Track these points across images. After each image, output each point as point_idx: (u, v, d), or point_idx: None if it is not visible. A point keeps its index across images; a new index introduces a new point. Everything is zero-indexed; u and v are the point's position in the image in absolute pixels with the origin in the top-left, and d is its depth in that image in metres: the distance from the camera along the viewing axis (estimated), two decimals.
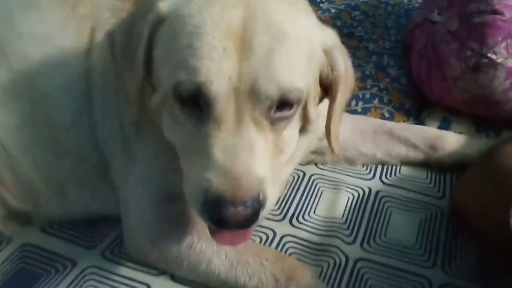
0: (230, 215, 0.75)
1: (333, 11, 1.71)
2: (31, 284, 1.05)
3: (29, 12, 1.12)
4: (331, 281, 1.05)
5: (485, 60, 1.24)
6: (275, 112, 0.81)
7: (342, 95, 0.94)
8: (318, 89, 0.92)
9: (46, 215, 1.16)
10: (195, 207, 0.80)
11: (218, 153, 0.77)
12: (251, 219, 0.77)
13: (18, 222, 1.17)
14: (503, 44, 1.22)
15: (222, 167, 0.76)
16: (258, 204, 0.77)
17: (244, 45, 0.78)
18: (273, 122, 0.82)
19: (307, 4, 0.93)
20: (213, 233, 0.88)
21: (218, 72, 0.77)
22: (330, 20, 1.67)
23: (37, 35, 1.10)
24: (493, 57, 1.22)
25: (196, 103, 0.79)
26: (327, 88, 0.94)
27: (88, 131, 1.10)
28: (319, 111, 1.00)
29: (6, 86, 1.08)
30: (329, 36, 0.92)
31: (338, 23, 1.66)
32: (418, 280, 1.06)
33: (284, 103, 0.81)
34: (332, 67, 0.90)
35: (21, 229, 1.17)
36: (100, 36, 1.09)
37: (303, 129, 0.94)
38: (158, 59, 0.85)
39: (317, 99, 0.94)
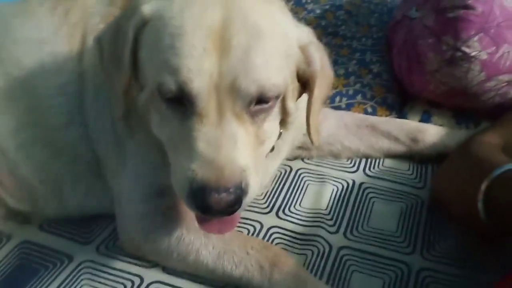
0: (214, 202, 0.80)
1: (318, 11, 1.76)
2: (30, 279, 1.10)
3: (24, 19, 1.18)
4: (315, 268, 1.10)
5: (460, 54, 1.29)
6: (254, 105, 0.87)
7: (320, 89, 0.99)
8: (296, 84, 0.98)
9: (44, 213, 1.22)
10: (182, 197, 0.85)
11: (202, 145, 0.82)
12: (234, 204, 0.82)
13: (16, 221, 1.23)
14: (476, 38, 1.26)
15: (206, 158, 0.81)
16: (240, 191, 0.82)
17: (223, 44, 0.83)
18: (253, 115, 0.87)
19: (282, 3, 0.98)
20: (201, 222, 0.93)
21: (199, 70, 0.82)
22: (315, 20, 1.72)
23: (31, 40, 1.15)
24: (467, 50, 1.27)
25: (180, 101, 0.85)
26: (305, 83, 0.99)
27: (82, 131, 1.15)
28: (299, 106, 1.06)
29: (2, 90, 1.14)
30: (305, 33, 0.97)
31: (323, 23, 1.71)
32: (398, 266, 1.10)
33: (262, 97, 0.87)
34: (308, 63, 0.95)
35: (20, 227, 1.22)
36: (91, 41, 1.14)
37: (283, 122, 0.99)
38: (143, 60, 0.90)
39: (295, 93, 0.99)
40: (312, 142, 1.08)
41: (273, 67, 0.86)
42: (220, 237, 1.06)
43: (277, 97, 0.90)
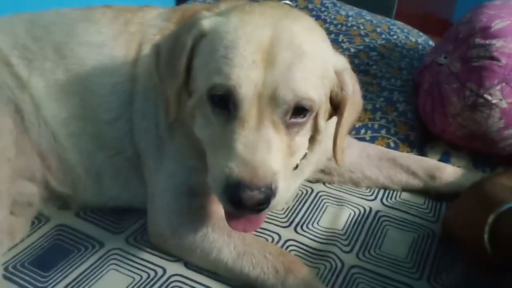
0: (246, 197, 0.89)
1: (352, 50, 1.87)
2: (63, 258, 1.18)
3: (87, 24, 1.31)
4: (326, 281, 1.16)
5: (482, 100, 1.38)
6: (290, 117, 0.97)
7: (349, 113, 1.09)
8: (328, 105, 1.08)
9: (82, 200, 1.32)
10: (217, 191, 0.94)
11: (240, 147, 0.92)
12: (263, 203, 0.91)
13: (56, 205, 1.33)
14: (498, 87, 1.36)
15: (243, 158, 0.91)
16: (270, 191, 0.91)
17: (270, 59, 0.94)
18: (288, 127, 0.97)
19: (324, 32, 1.10)
20: (229, 219, 1.02)
21: (246, 78, 0.93)
22: (349, 58, 1.81)
23: (93, 43, 1.28)
24: (489, 97, 1.36)
25: (225, 105, 0.95)
26: (336, 107, 1.10)
27: (127, 128, 1.26)
28: (328, 131, 1.15)
29: (62, 83, 1.26)
30: (341, 61, 1.08)
31: (356, 61, 1.82)
32: None
33: (298, 110, 0.97)
34: (341, 87, 1.06)
35: (58, 212, 1.33)
36: (146, 49, 1.27)
37: (312, 139, 1.09)
38: (197, 67, 1.02)
39: (327, 114, 1.09)
40: (336, 162, 1.17)
41: (310, 84, 0.97)
42: (241, 239, 1.15)
43: (310, 111, 1.00)
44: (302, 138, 1.04)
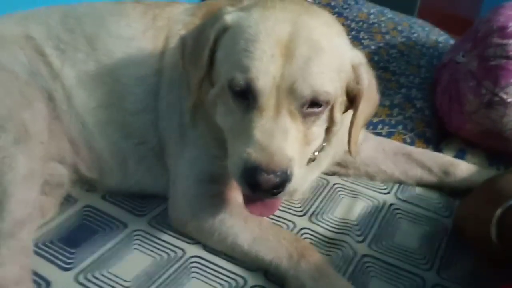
0: (263, 180, 0.95)
1: (372, 47, 1.90)
2: (90, 236, 1.26)
3: (118, 18, 1.38)
4: (338, 269, 1.20)
5: (497, 99, 1.40)
6: (307, 108, 1.02)
7: (364, 106, 1.14)
8: (344, 98, 1.12)
9: (108, 184, 1.39)
10: (236, 174, 1.00)
11: (258, 134, 0.98)
12: (279, 187, 0.97)
13: (84, 188, 1.41)
14: None
15: (261, 145, 0.97)
16: (286, 176, 0.97)
17: (288, 53, 1.00)
18: (304, 116, 1.03)
19: (341, 28, 1.15)
20: (247, 202, 1.08)
21: (265, 71, 0.98)
22: (369, 55, 1.86)
23: (123, 36, 1.35)
24: (504, 96, 1.39)
25: (245, 95, 1.01)
26: (352, 100, 1.14)
27: (152, 118, 1.33)
28: (344, 124, 1.20)
29: (92, 73, 1.33)
30: (358, 56, 1.12)
31: (376, 58, 1.85)
32: (414, 279, 1.21)
33: (314, 102, 1.02)
34: (357, 81, 1.11)
35: (86, 194, 1.40)
36: (172, 43, 1.33)
37: (328, 131, 1.13)
38: (219, 59, 1.08)
39: (343, 106, 1.14)
40: (350, 153, 1.21)
41: (327, 77, 1.02)
42: (257, 225, 1.20)
43: (327, 104, 1.05)
44: (318, 128, 1.09)
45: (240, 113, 1.03)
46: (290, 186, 0.99)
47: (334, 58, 1.04)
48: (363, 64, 1.12)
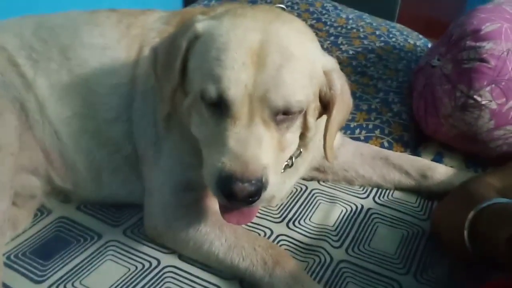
0: (238, 189, 0.95)
1: (351, 52, 1.90)
2: (63, 248, 1.24)
3: (92, 27, 1.37)
4: (314, 275, 1.20)
5: (472, 101, 1.40)
6: (280, 115, 1.02)
7: (338, 112, 1.13)
8: (318, 104, 1.12)
9: (83, 195, 1.38)
10: (211, 184, 1.00)
11: (232, 142, 0.97)
12: (254, 195, 0.96)
13: (58, 199, 1.40)
14: (487, 88, 1.38)
15: (235, 153, 0.97)
16: (261, 184, 0.97)
17: (259, 61, 0.99)
18: (278, 123, 1.02)
19: (313, 34, 1.15)
20: (223, 212, 1.07)
21: (236, 80, 0.98)
22: (347, 59, 1.87)
23: (96, 45, 1.34)
24: (479, 99, 1.39)
25: (218, 105, 1.00)
26: (326, 105, 1.14)
27: (126, 128, 1.32)
28: (321, 130, 1.20)
29: (65, 83, 1.32)
30: (330, 61, 1.12)
31: (354, 63, 1.85)
32: (391, 283, 1.20)
33: (287, 111, 1.02)
34: (330, 86, 1.10)
35: (60, 205, 1.39)
36: (146, 52, 1.32)
37: (302, 136, 1.13)
38: (191, 68, 1.07)
39: (316, 112, 1.13)
40: (326, 158, 1.21)
41: (299, 85, 1.02)
42: (232, 232, 1.19)
43: (300, 112, 1.05)
44: (292, 134, 1.09)
45: (214, 123, 1.02)
46: (266, 194, 0.99)
47: (305, 65, 1.04)
48: (335, 70, 1.12)
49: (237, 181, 0.95)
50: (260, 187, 0.97)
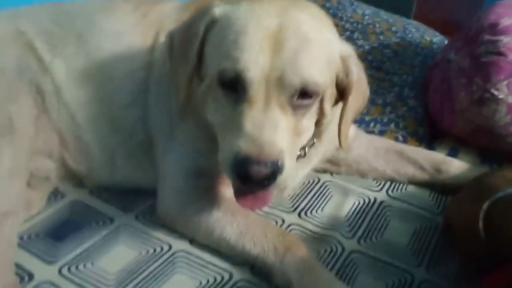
0: (254, 172, 0.95)
1: (366, 47, 1.90)
2: (76, 230, 1.25)
3: (109, 13, 1.38)
4: (325, 263, 1.19)
5: (488, 95, 1.39)
6: (296, 99, 1.02)
7: (354, 99, 1.13)
8: (334, 90, 1.12)
9: (96, 179, 1.38)
10: (227, 168, 1.00)
11: (249, 126, 0.98)
12: (270, 178, 0.96)
13: (72, 183, 1.40)
14: (505, 82, 1.37)
15: (251, 137, 0.97)
16: (276, 167, 0.96)
17: (277, 45, 0.99)
18: (294, 108, 1.02)
19: (330, 21, 1.15)
20: (238, 196, 1.07)
21: (254, 63, 0.98)
22: (363, 54, 1.86)
23: (113, 31, 1.35)
24: (495, 93, 1.38)
25: (234, 88, 1.01)
26: (342, 93, 1.14)
27: (141, 113, 1.32)
28: (335, 119, 1.20)
29: (81, 68, 1.32)
30: (346, 48, 1.13)
31: (370, 58, 1.85)
32: (403, 274, 1.19)
33: (304, 93, 1.02)
34: (346, 73, 1.10)
35: (74, 189, 1.40)
36: (162, 38, 1.32)
37: (318, 123, 1.13)
38: (208, 52, 1.07)
39: (332, 99, 1.13)
40: (341, 146, 1.21)
41: (316, 68, 1.02)
42: (244, 219, 1.19)
43: (316, 95, 1.04)
44: (308, 121, 1.09)
45: (230, 107, 1.03)
46: (281, 178, 0.99)
47: (323, 50, 1.04)
48: (352, 56, 1.12)
49: (253, 163, 0.95)
50: (276, 170, 0.97)
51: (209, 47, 1.08)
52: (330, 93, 1.10)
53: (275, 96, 1.00)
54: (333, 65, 1.08)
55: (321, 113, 1.11)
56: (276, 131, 0.99)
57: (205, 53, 1.09)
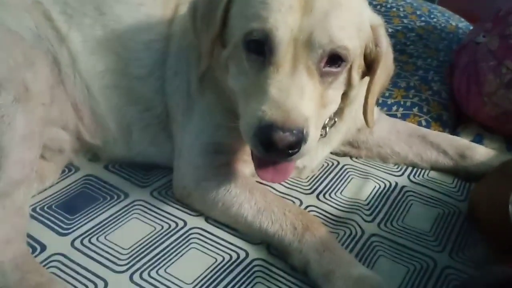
0: (278, 138, 0.91)
1: (390, 30, 1.84)
2: (90, 204, 1.23)
3: None
4: (344, 246, 1.15)
5: None
6: (324, 66, 0.98)
7: (382, 72, 1.10)
8: (362, 62, 1.08)
9: (112, 152, 1.36)
10: (249, 134, 0.96)
11: (274, 91, 0.94)
12: (294, 146, 0.92)
13: (86, 157, 1.38)
14: None
15: (276, 102, 0.93)
16: (301, 135, 0.93)
17: (307, 6, 0.96)
18: (322, 75, 0.99)
19: None
20: (258, 168, 1.04)
21: (283, 22, 0.94)
22: None
23: (131, 2, 1.32)
24: None
25: (260, 51, 0.97)
26: (369, 65, 1.10)
27: (158, 85, 1.29)
28: (358, 99, 1.16)
29: (99, 38, 1.29)
30: (377, 18, 1.09)
31: (393, 41, 1.77)
32: (425, 260, 1.15)
33: (333, 59, 0.98)
34: (376, 43, 1.07)
35: (88, 163, 1.37)
36: (182, 11, 1.29)
37: (344, 96, 1.09)
38: (234, 15, 1.04)
39: (360, 71, 1.09)
40: (366, 122, 1.17)
41: (346, 33, 0.98)
42: (262, 196, 1.16)
43: (345, 61, 1.00)
44: (335, 91, 1.05)
45: (254, 72, 0.99)
46: (305, 148, 0.95)
47: (353, 15, 1.01)
48: (382, 26, 1.09)
49: (278, 129, 0.91)
50: (300, 138, 0.93)
51: (234, 10, 1.04)
52: (358, 64, 1.07)
53: (303, 59, 0.96)
54: (363, 33, 1.04)
55: (348, 84, 1.07)
56: (302, 97, 0.95)
57: (230, 17, 1.06)
